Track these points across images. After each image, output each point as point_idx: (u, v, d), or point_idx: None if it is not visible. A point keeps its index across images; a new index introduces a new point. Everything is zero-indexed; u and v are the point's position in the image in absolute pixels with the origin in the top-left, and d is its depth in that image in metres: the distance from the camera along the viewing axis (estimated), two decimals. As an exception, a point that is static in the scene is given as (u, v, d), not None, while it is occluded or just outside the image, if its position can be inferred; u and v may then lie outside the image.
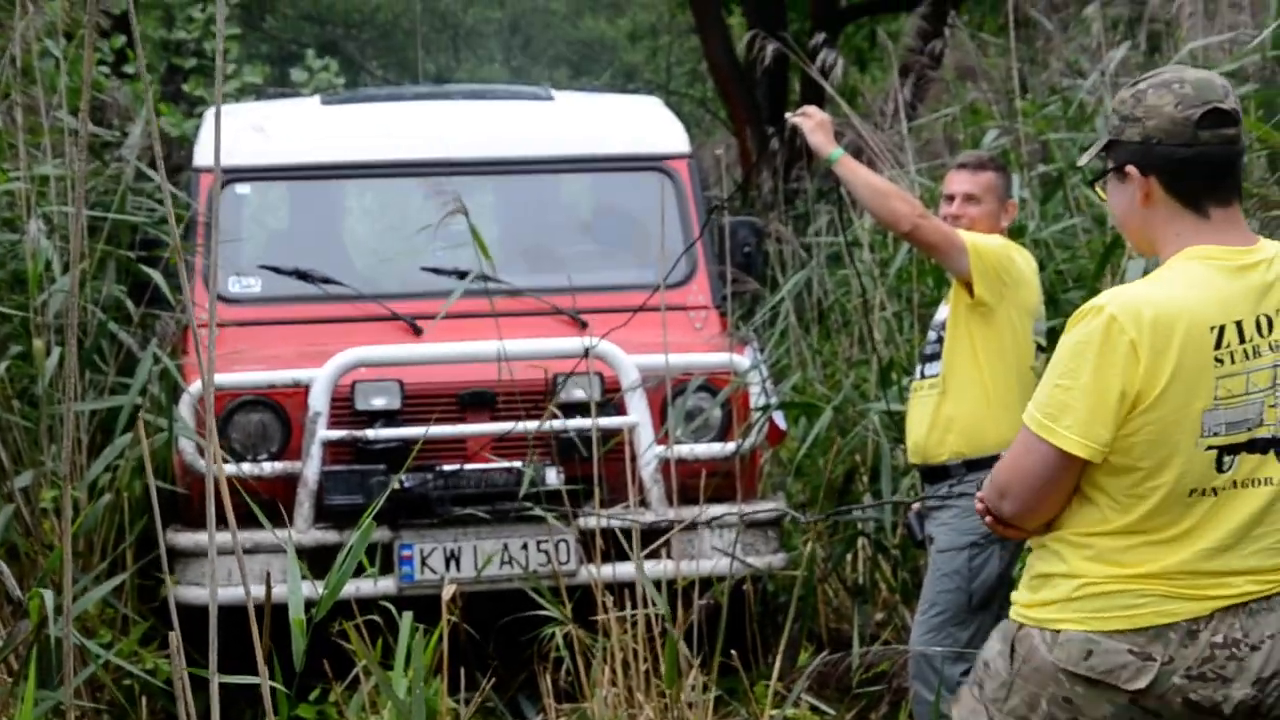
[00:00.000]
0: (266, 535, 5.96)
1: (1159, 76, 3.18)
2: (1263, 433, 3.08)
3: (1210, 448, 3.04)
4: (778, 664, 5.40)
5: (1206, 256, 3.11)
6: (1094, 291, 6.71)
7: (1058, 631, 3.10)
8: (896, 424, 6.51)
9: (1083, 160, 3.36)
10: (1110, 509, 3.09)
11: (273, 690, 3.33)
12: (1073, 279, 7.08)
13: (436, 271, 6.99)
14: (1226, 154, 3.13)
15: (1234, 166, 3.16)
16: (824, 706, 6.34)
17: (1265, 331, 3.08)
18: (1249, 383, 3.06)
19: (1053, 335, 6.40)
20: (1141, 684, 3.05)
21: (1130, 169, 3.16)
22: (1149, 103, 3.14)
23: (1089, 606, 3.08)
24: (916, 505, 5.53)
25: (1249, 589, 3.07)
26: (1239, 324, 3.06)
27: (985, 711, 3.21)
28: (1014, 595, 3.25)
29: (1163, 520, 3.06)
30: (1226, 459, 3.06)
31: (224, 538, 5.26)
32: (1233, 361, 3.05)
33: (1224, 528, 3.07)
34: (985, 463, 5.27)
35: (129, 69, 10.46)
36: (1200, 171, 3.12)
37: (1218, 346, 3.04)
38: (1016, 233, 6.92)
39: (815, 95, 11.62)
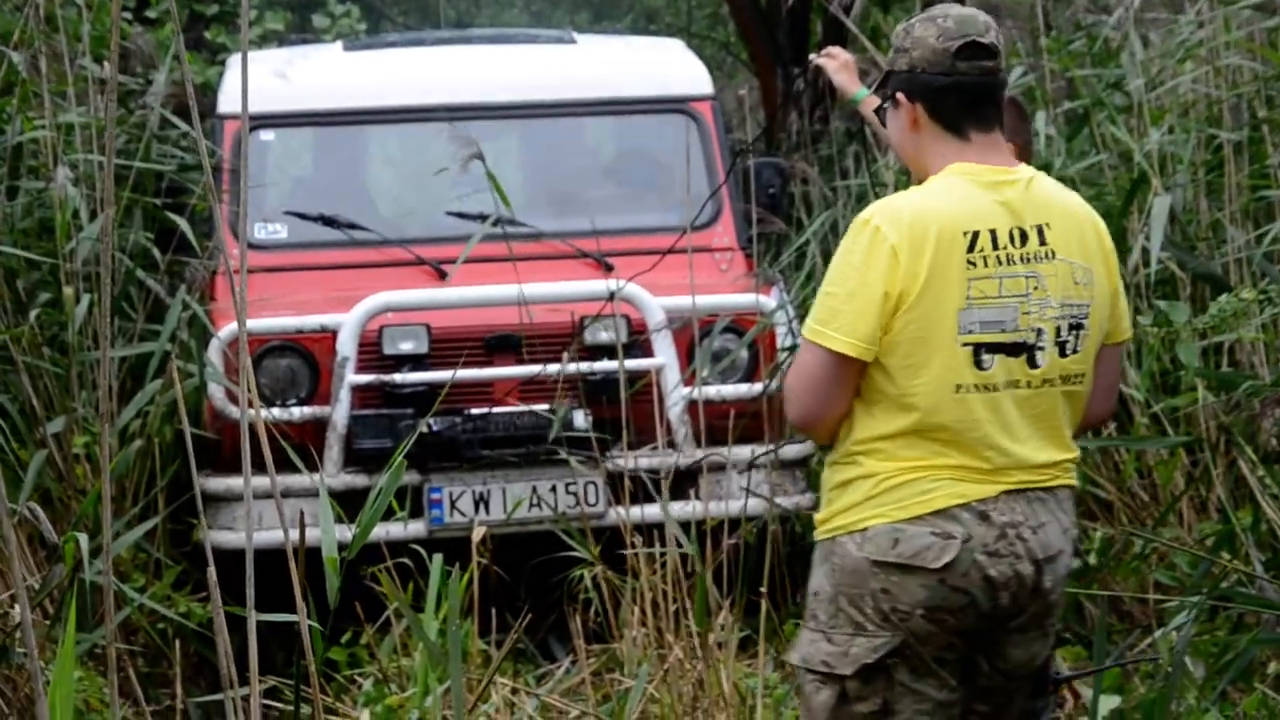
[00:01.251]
0: (297, 479, 6.00)
1: (929, 12, 3.43)
2: (1017, 337, 3.32)
3: (967, 344, 3.29)
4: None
5: (965, 172, 3.36)
6: (1120, 228, 6.69)
7: (865, 530, 3.33)
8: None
9: (868, 93, 3.63)
10: (891, 411, 3.32)
11: (309, 630, 3.36)
12: (1099, 215, 7.06)
13: (461, 216, 6.99)
14: (983, 83, 3.38)
15: (992, 94, 3.40)
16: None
17: (1018, 243, 3.31)
18: (1002, 287, 3.30)
19: (1079, 272, 6.41)
20: (946, 560, 3.28)
21: (900, 96, 3.43)
22: (915, 34, 3.41)
23: (889, 499, 3.31)
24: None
25: (1025, 478, 3.34)
26: (993, 231, 3.30)
27: (824, 636, 3.39)
28: (816, 517, 3.46)
29: (938, 418, 3.29)
30: (985, 357, 3.30)
31: (259, 482, 5.30)
32: (985, 265, 3.29)
33: (994, 423, 3.30)
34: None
35: (151, 13, 10.45)
36: (958, 98, 3.38)
37: (970, 250, 3.28)
38: (1042, 170, 6.90)
39: (838, 36, 11.57)
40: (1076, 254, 3.37)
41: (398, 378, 6.42)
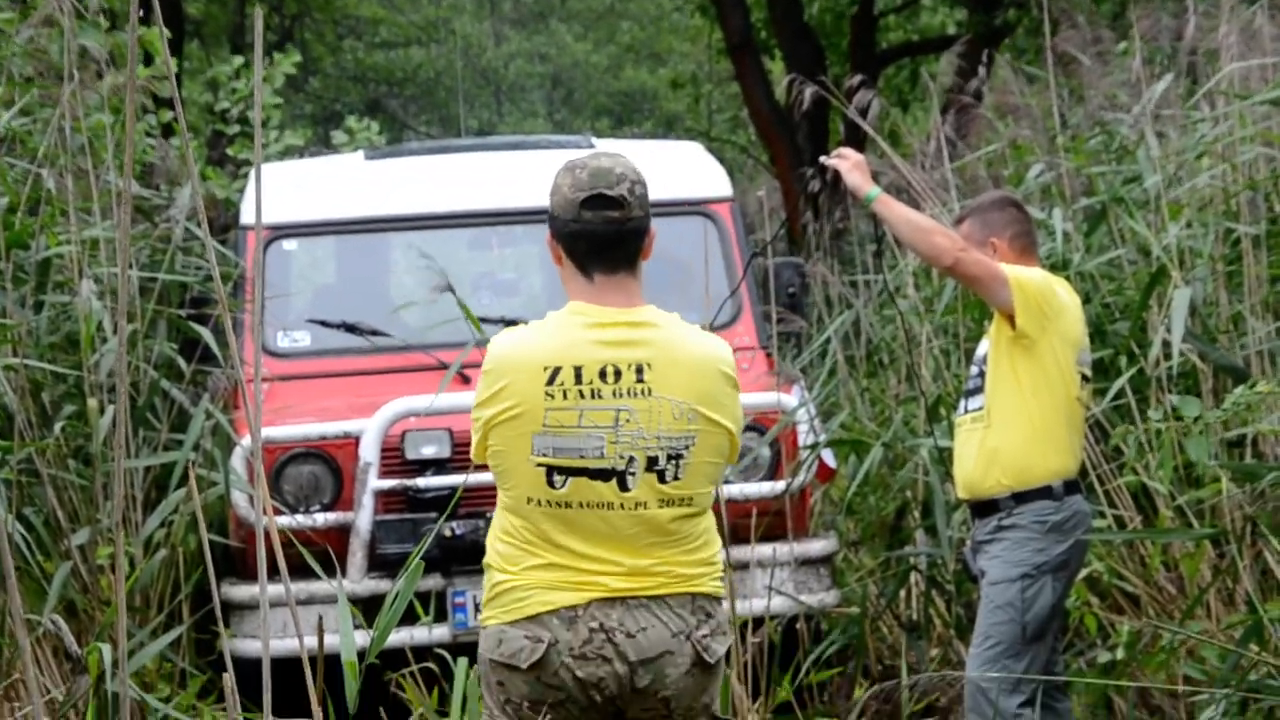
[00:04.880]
0: (320, 586, 6.00)
1: (573, 161, 3.79)
2: (603, 464, 3.66)
3: (540, 465, 3.67)
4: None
5: (575, 311, 3.74)
6: (1140, 322, 6.71)
7: (486, 628, 3.75)
8: (946, 460, 6.51)
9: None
10: (502, 514, 3.74)
11: (328, 734, 3.36)
12: (1119, 310, 7.08)
13: (483, 320, 7.03)
14: (608, 231, 3.72)
15: (618, 241, 3.73)
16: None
17: (610, 379, 3.67)
18: (582, 418, 3.66)
19: (1099, 366, 6.42)
20: (534, 661, 3.65)
21: (549, 234, 3.81)
22: (556, 182, 3.78)
23: (497, 604, 3.72)
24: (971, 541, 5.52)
25: (617, 586, 3.67)
26: (577, 368, 3.66)
27: (488, 713, 3.78)
28: None
29: (527, 524, 3.69)
30: (557, 478, 3.67)
31: (276, 589, 5.31)
32: (565, 398, 3.66)
33: (582, 538, 3.66)
34: (1034, 494, 5.27)
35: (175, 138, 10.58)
36: (584, 243, 3.74)
37: (550, 383, 3.66)
38: (1060, 266, 6.93)
39: (857, 138, 11.65)
40: (679, 393, 3.68)
41: (421, 482, 6.44)
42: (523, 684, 3.68)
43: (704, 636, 3.73)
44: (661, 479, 3.67)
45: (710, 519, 3.79)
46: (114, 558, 6.05)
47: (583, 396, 3.65)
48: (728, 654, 5.29)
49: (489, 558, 3.77)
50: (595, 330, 3.70)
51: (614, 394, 3.66)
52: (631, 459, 3.66)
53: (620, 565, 3.67)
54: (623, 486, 3.66)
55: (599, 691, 3.67)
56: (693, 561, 3.73)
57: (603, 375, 3.66)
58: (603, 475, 3.66)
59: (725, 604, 3.82)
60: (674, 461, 3.68)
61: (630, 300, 3.75)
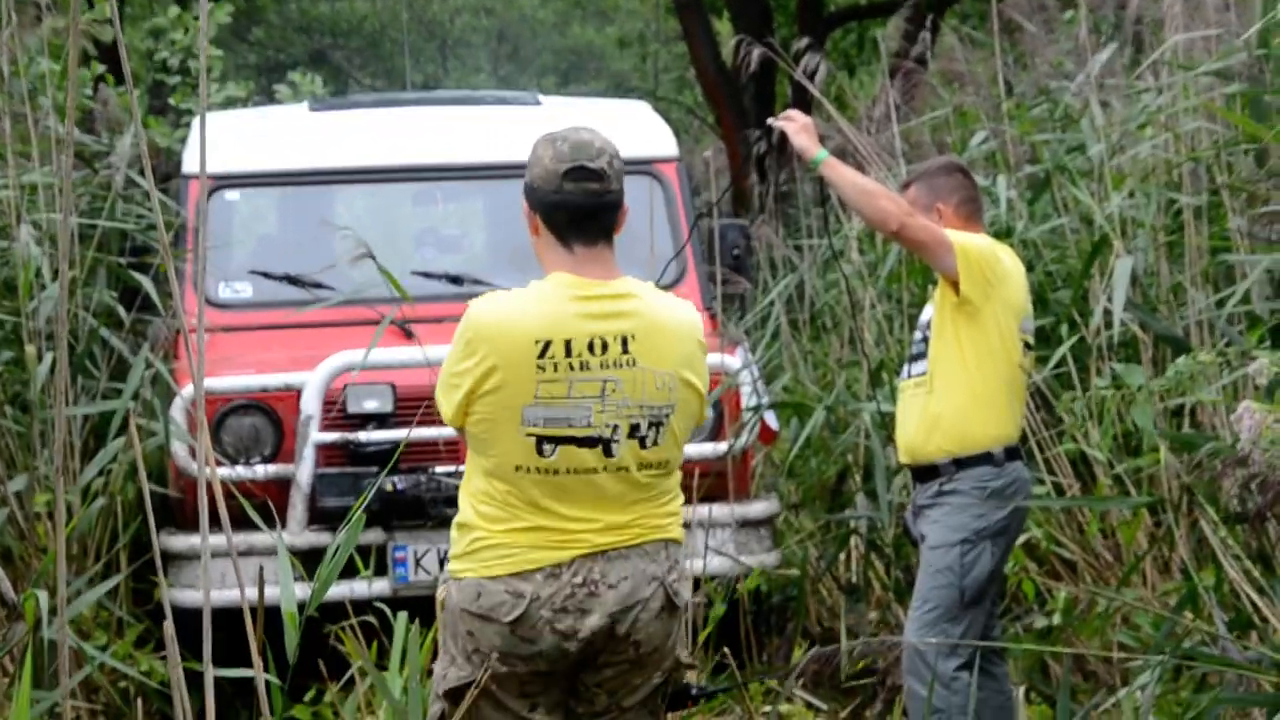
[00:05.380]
0: (260, 538, 5.97)
1: (553, 133, 3.85)
2: (590, 432, 3.76)
3: (530, 435, 3.75)
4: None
5: (560, 282, 3.79)
6: (1082, 290, 6.74)
7: (460, 580, 3.83)
8: (888, 424, 6.54)
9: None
10: (482, 474, 3.82)
11: (267, 687, 3.35)
12: (1061, 279, 7.11)
13: (426, 275, 7.00)
14: (588, 203, 3.79)
15: (598, 213, 3.81)
16: (818, 702, 6.37)
17: (598, 351, 3.75)
18: (572, 389, 3.74)
19: (1041, 334, 6.45)
20: (515, 616, 3.76)
21: (525, 204, 3.87)
22: (537, 153, 3.85)
23: (477, 558, 3.80)
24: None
25: (600, 541, 3.78)
26: (567, 341, 3.74)
27: (450, 658, 3.87)
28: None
29: (512, 489, 3.78)
30: (546, 447, 3.76)
31: (218, 540, 5.28)
32: (555, 370, 3.73)
33: (567, 500, 3.77)
34: (974, 460, 5.30)
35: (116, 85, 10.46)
36: (565, 214, 3.80)
37: (541, 356, 3.73)
38: (1004, 233, 6.95)
39: (803, 100, 11.64)
40: (662, 363, 3.80)
41: (362, 436, 6.42)
42: (496, 636, 3.78)
43: (674, 581, 3.87)
44: (643, 445, 3.80)
45: (677, 473, 3.93)
46: (51, 505, 6.02)
47: (572, 369, 3.74)
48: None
49: (465, 516, 3.84)
50: (581, 303, 3.77)
51: (601, 365, 3.75)
52: (616, 427, 3.77)
53: (602, 522, 3.80)
54: (607, 453, 3.78)
55: (575, 641, 3.78)
56: (665, 513, 3.88)
57: (590, 348, 3.75)
58: (589, 442, 3.76)
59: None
60: (655, 428, 3.80)
61: (608, 271, 3.83)
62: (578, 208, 3.79)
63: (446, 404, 3.83)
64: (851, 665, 6.36)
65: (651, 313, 3.82)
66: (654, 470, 3.84)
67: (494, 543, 3.79)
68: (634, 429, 3.79)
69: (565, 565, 3.77)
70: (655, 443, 3.82)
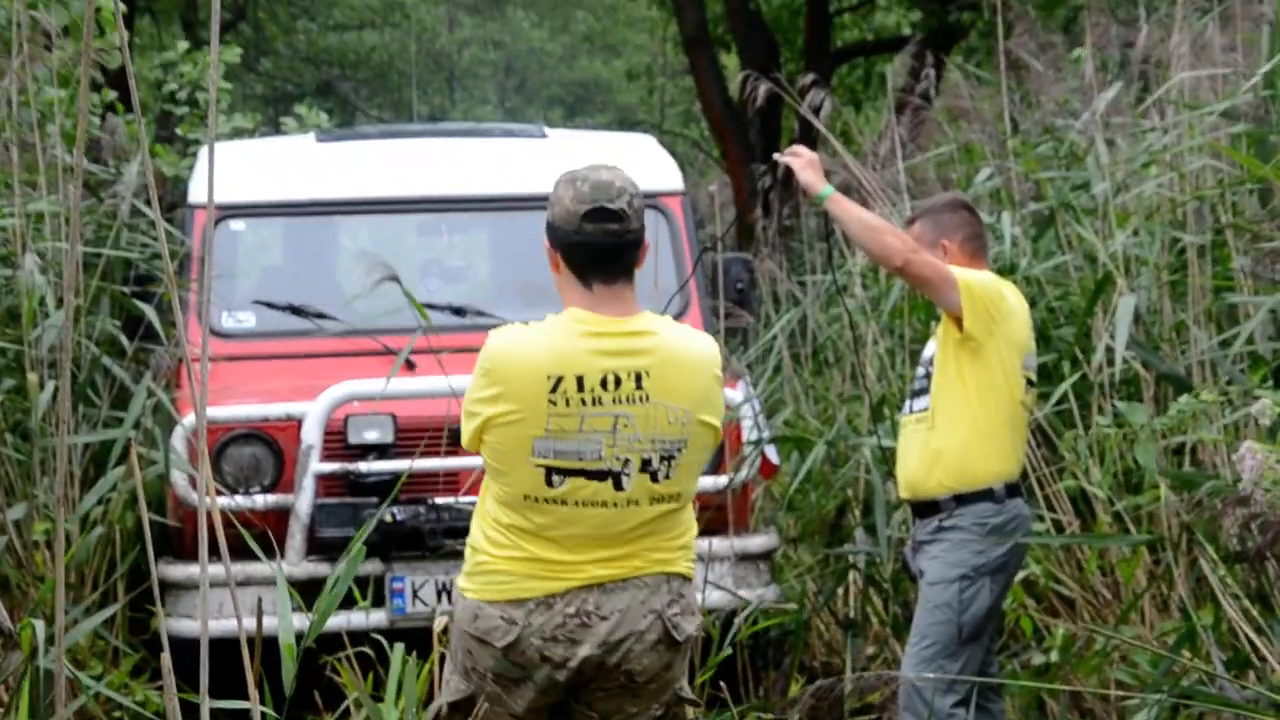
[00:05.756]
0: (259, 568, 5.96)
1: (574, 173, 3.91)
2: (600, 465, 3.82)
3: (540, 466, 3.81)
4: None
5: (575, 319, 3.86)
6: (1085, 328, 6.74)
7: (465, 598, 3.94)
8: (889, 459, 6.53)
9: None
10: (494, 500, 3.90)
11: (263, 717, 3.34)
12: (1064, 316, 7.11)
13: (430, 307, 7.01)
14: (608, 243, 3.85)
15: (618, 253, 3.86)
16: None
17: (610, 386, 3.81)
18: (583, 423, 3.80)
19: (1043, 370, 6.45)
20: (507, 642, 3.85)
21: (546, 242, 3.93)
22: (557, 193, 3.91)
23: (479, 580, 3.90)
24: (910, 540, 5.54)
25: (598, 574, 3.86)
26: (579, 377, 3.80)
27: (454, 667, 3.99)
28: None
29: (520, 518, 3.85)
30: (555, 478, 3.82)
31: (216, 570, 5.27)
32: (567, 405, 3.79)
33: (569, 531, 3.83)
34: (975, 496, 5.30)
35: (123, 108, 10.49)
36: (584, 254, 3.86)
37: (553, 391, 3.79)
38: (1008, 270, 6.96)
39: (809, 135, 11.67)
40: (675, 399, 3.84)
41: (363, 466, 6.41)
42: (490, 658, 3.88)
43: (675, 615, 3.90)
44: (654, 479, 3.85)
45: (690, 507, 4.00)
46: (50, 534, 6.02)
47: (584, 404, 3.80)
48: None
49: (474, 539, 3.94)
50: (595, 340, 3.83)
51: (614, 401, 3.81)
52: (627, 460, 3.83)
53: (604, 554, 3.86)
54: (618, 486, 3.84)
55: (565, 670, 3.86)
56: (672, 547, 3.94)
57: (604, 383, 3.81)
58: (599, 475, 3.83)
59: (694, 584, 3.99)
60: (666, 462, 3.86)
61: (627, 309, 3.89)
62: (598, 248, 3.85)
63: (465, 430, 3.92)
64: (850, 700, 6.34)
65: (667, 349, 3.86)
66: (665, 504, 3.88)
67: (494, 568, 3.87)
68: (645, 463, 3.84)
69: (559, 596, 3.84)
70: (667, 476, 3.86)
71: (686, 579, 3.94)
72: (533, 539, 3.85)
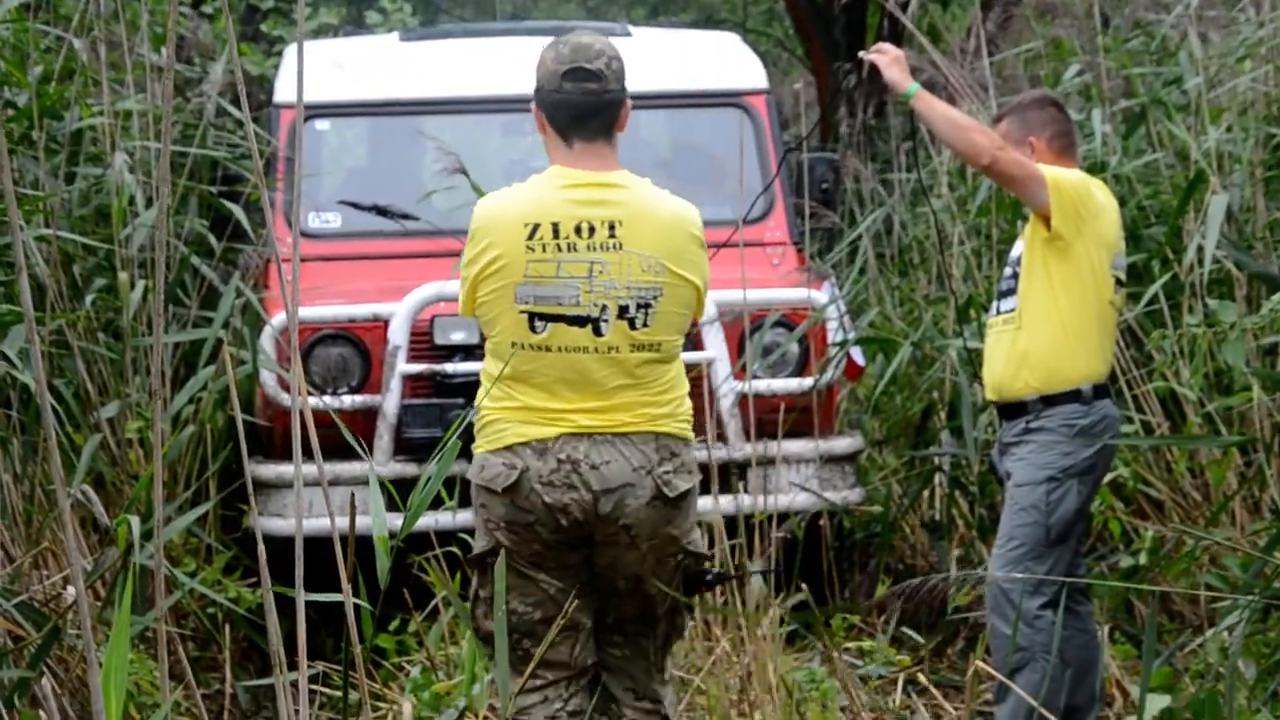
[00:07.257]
0: (347, 467, 6.02)
1: (555, 39, 4.14)
2: (579, 311, 4.03)
3: (523, 311, 4.03)
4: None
5: (554, 174, 4.09)
6: (1176, 227, 6.66)
7: (476, 455, 4.15)
8: (974, 361, 6.50)
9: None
10: (489, 355, 4.13)
11: (357, 612, 3.38)
12: (1155, 214, 7.03)
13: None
14: (586, 101, 4.07)
15: (596, 111, 4.07)
16: (913, 634, 6.36)
17: (585, 234, 4.02)
18: (560, 269, 4.02)
19: (1133, 270, 6.39)
20: (508, 485, 4.04)
21: (532, 103, 4.15)
22: (542, 56, 4.14)
23: (483, 434, 4.13)
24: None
25: (586, 423, 4.04)
26: (555, 224, 4.02)
27: (478, 529, 4.17)
28: None
29: (509, 366, 4.04)
30: (538, 324, 4.04)
31: (308, 469, 5.33)
32: (544, 251, 4.02)
33: (554, 376, 4.05)
34: (1062, 398, 5.26)
35: (208, 8, 10.51)
36: (564, 112, 4.09)
37: (530, 237, 4.02)
38: (1097, 168, 6.87)
39: (895, 32, 11.54)
40: (647, 248, 4.04)
41: (449, 367, 6.44)
42: (500, 506, 4.08)
43: (666, 472, 4.08)
44: (632, 326, 4.05)
45: (677, 366, 4.15)
46: (143, 432, 6.09)
47: (560, 250, 4.02)
48: (753, 549, 5.35)
49: (479, 395, 4.15)
50: (570, 190, 4.05)
51: (588, 248, 4.03)
52: (604, 307, 4.04)
53: (589, 405, 4.05)
54: (597, 332, 4.05)
55: (565, 515, 4.04)
56: (657, 404, 4.10)
57: (578, 230, 4.03)
58: (579, 321, 4.04)
59: (692, 446, 4.14)
60: (643, 310, 4.05)
61: (605, 165, 4.10)
62: (577, 106, 4.07)
63: (461, 297, 4.15)
64: (935, 601, 6.35)
65: (640, 201, 4.07)
66: (645, 352, 4.06)
67: (493, 419, 4.10)
68: (623, 310, 4.04)
69: (551, 441, 4.04)
70: (645, 324, 4.05)
71: (679, 439, 4.11)
72: (523, 387, 4.05)
